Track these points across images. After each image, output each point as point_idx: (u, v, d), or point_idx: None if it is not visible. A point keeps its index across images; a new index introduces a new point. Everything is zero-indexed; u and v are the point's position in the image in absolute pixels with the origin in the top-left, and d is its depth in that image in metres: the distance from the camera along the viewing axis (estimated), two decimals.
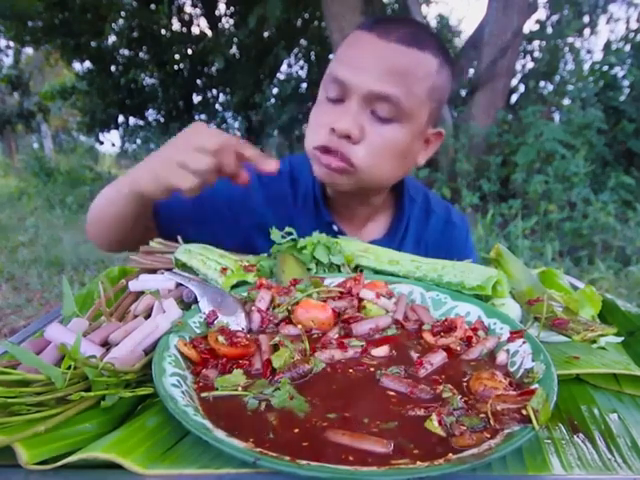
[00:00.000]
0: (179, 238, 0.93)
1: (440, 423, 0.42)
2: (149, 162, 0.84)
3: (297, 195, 1.09)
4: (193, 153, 0.77)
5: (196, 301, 0.65)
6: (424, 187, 1.23)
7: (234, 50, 9.10)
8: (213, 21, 9.46)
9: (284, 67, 9.62)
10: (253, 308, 0.63)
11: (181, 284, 0.73)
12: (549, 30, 6.35)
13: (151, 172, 0.81)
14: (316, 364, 0.52)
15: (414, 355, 0.56)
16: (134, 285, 0.71)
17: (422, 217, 1.15)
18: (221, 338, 0.53)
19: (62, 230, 5.43)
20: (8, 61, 11.06)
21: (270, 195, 1.08)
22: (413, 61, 0.89)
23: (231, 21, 9.60)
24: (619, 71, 5.52)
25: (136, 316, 0.63)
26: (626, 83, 5.43)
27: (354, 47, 0.92)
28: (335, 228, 1.05)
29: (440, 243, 1.15)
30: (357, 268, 0.82)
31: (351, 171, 0.92)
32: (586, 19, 6.25)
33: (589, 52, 6.21)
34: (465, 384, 0.50)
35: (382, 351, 0.56)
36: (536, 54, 6.68)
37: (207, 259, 0.79)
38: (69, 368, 0.45)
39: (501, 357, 0.55)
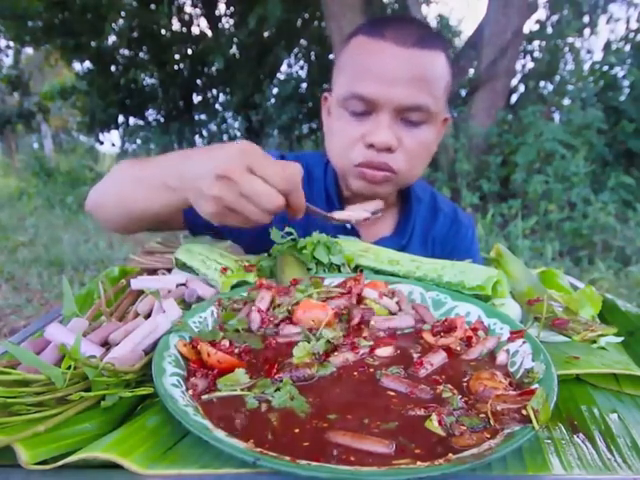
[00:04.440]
0: (179, 237, 0.95)
1: (440, 423, 0.42)
2: (192, 172, 0.68)
3: (312, 192, 1.10)
4: (260, 185, 0.63)
5: (198, 301, 0.65)
6: (431, 187, 1.25)
7: (234, 50, 9.10)
8: (213, 21, 9.45)
9: (284, 67, 9.61)
10: (253, 308, 0.63)
11: (182, 284, 0.73)
12: (549, 30, 6.35)
13: (200, 189, 0.65)
14: (324, 368, 0.52)
15: (414, 355, 0.56)
16: (135, 283, 0.71)
17: (429, 215, 1.16)
18: (212, 350, 0.52)
19: (62, 230, 5.43)
20: (8, 61, 11.06)
21: None
22: (431, 63, 0.90)
23: (231, 21, 9.59)
24: (619, 71, 5.52)
25: (137, 315, 0.63)
26: (626, 83, 5.43)
27: (372, 58, 0.90)
28: (348, 225, 1.07)
29: (447, 241, 1.16)
30: (357, 268, 0.82)
31: (393, 178, 0.96)
32: (586, 19, 6.24)
33: (589, 52, 6.20)
34: (465, 384, 0.50)
35: (386, 351, 0.56)
36: (536, 54, 6.67)
37: (207, 259, 0.79)
38: (69, 368, 0.45)
39: (501, 357, 0.55)
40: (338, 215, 0.78)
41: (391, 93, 0.88)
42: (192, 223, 1.06)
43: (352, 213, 0.82)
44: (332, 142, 1.01)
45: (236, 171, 0.62)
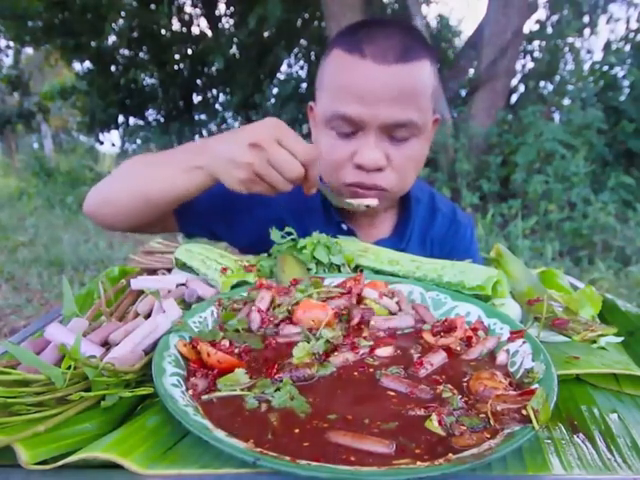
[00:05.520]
0: (179, 238, 0.95)
1: (440, 423, 0.42)
2: (223, 147, 0.79)
3: (309, 201, 1.07)
4: (285, 155, 0.74)
5: (198, 301, 0.65)
6: (430, 187, 1.24)
7: (234, 50, 9.09)
8: (213, 21, 9.45)
9: (284, 67, 9.60)
10: (253, 308, 0.63)
11: (182, 284, 0.73)
12: (549, 30, 6.35)
13: (233, 158, 0.76)
14: (324, 368, 0.51)
15: (414, 355, 0.56)
16: (135, 283, 0.71)
17: (427, 216, 1.15)
18: (212, 350, 0.51)
19: (62, 230, 5.43)
20: (8, 61, 11.07)
21: None
22: (415, 76, 0.88)
23: (231, 21, 9.59)
24: (619, 71, 5.52)
25: (137, 315, 0.63)
26: (626, 83, 5.43)
27: (353, 79, 0.88)
28: (345, 227, 1.06)
29: (446, 241, 1.16)
30: (357, 268, 0.82)
31: (386, 195, 0.97)
32: (586, 19, 6.24)
33: (589, 52, 6.20)
34: (465, 384, 0.50)
35: (386, 351, 0.56)
36: (536, 54, 6.68)
37: (207, 259, 0.79)
38: (69, 368, 0.45)
39: (501, 357, 0.55)
40: (348, 200, 0.90)
41: (376, 113, 0.87)
42: (184, 224, 1.06)
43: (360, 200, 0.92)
44: (320, 160, 1.00)
45: (266, 140, 0.73)
